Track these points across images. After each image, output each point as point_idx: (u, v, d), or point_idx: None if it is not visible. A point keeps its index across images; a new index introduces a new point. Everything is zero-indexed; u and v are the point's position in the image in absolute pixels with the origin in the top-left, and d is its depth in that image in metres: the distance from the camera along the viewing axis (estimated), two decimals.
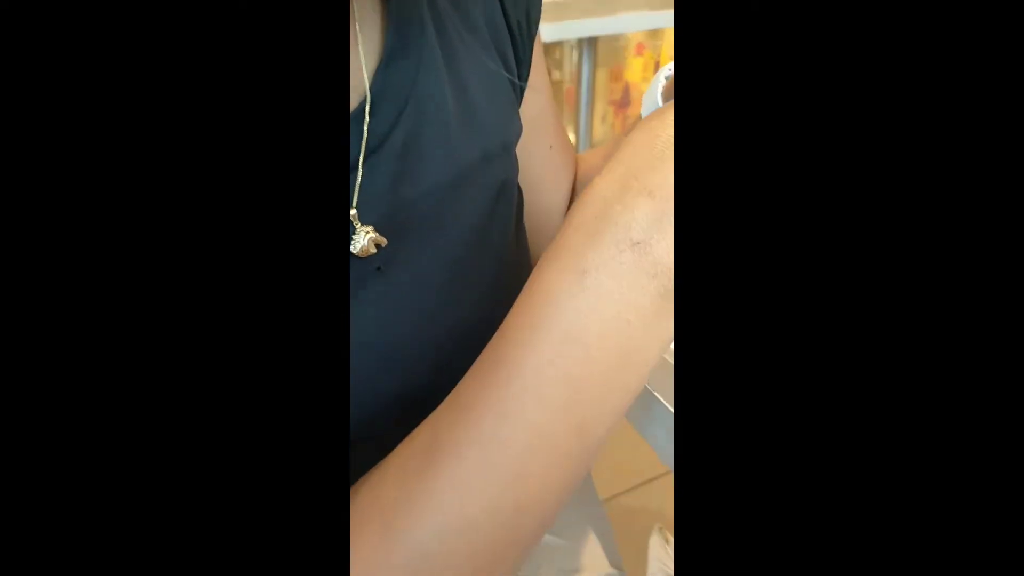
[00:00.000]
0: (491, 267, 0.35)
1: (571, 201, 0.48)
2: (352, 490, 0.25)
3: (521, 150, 0.40)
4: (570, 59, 1.54)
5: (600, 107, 1.52)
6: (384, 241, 0.30)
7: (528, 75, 0.41)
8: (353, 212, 0.29)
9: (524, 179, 0.41)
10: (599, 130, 1.52)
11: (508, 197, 0.37)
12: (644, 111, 0.36)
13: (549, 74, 0.46)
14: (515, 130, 0.39)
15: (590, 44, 1.46)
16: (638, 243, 0.21)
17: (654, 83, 0.33)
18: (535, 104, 0.42)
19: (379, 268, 0.30)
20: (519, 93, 0.40)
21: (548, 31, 1.18)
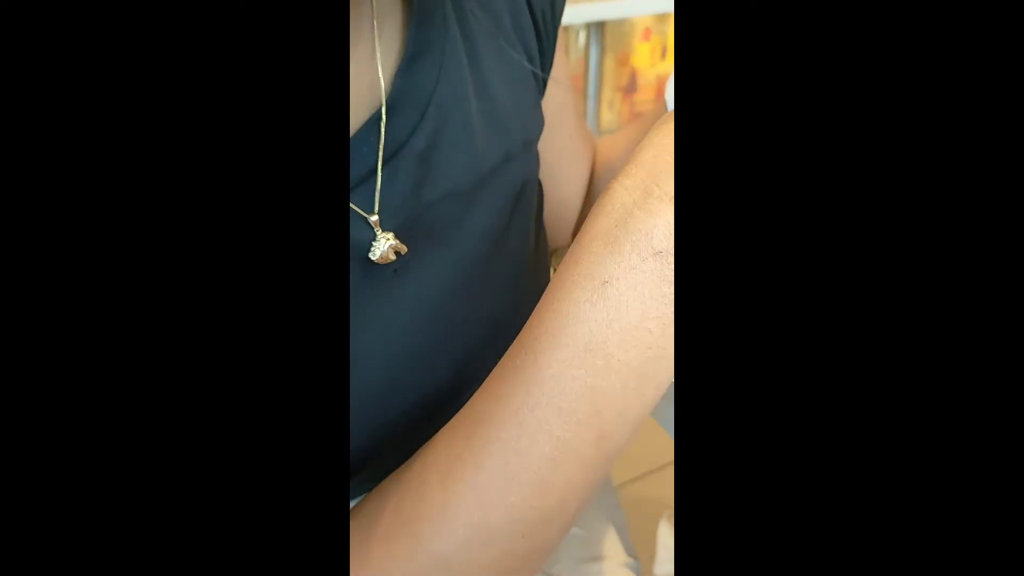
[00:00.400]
0: (510, 269, 0.35)
1: (588, 190, 0.48)
2: (373, 496, 0.25)
3: (541, 142, 0.39)
4: (575, 44, 1.52)
5: (607, 93, 1.51)
6: (404, 248, 0.29)
7: (551, 66, 0.40)
8: (375, 218, 0.29)
9: (543, 170, 0.41)
10: (607, 116, 1.51)
11: (528, 198, 0.37)
12: (668, 98, 0.36)
13: None
14: (537, 126, 0.39)
15: (597, 29, 1.44)
16: (660, 252, 0.21)
17: None
18: (557, 96, 0.42)
19: (396, 271, 0.30)
20: (542, 85, 0.40)
21: None
